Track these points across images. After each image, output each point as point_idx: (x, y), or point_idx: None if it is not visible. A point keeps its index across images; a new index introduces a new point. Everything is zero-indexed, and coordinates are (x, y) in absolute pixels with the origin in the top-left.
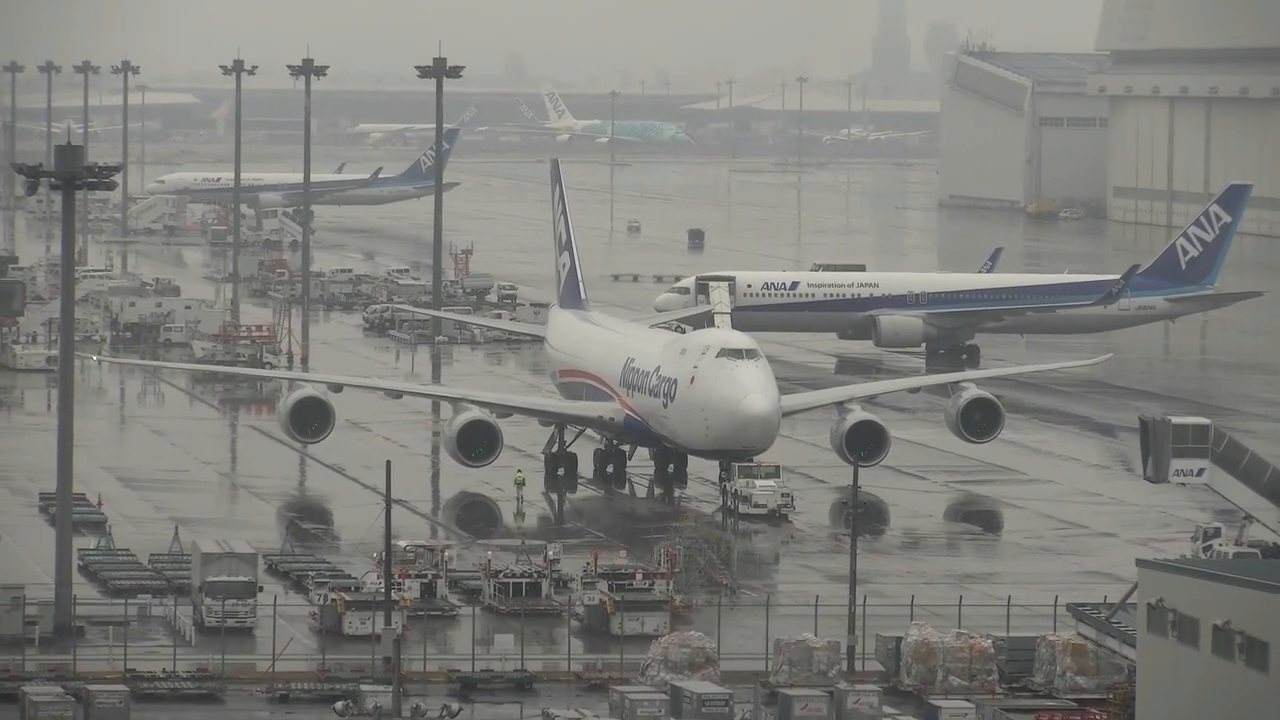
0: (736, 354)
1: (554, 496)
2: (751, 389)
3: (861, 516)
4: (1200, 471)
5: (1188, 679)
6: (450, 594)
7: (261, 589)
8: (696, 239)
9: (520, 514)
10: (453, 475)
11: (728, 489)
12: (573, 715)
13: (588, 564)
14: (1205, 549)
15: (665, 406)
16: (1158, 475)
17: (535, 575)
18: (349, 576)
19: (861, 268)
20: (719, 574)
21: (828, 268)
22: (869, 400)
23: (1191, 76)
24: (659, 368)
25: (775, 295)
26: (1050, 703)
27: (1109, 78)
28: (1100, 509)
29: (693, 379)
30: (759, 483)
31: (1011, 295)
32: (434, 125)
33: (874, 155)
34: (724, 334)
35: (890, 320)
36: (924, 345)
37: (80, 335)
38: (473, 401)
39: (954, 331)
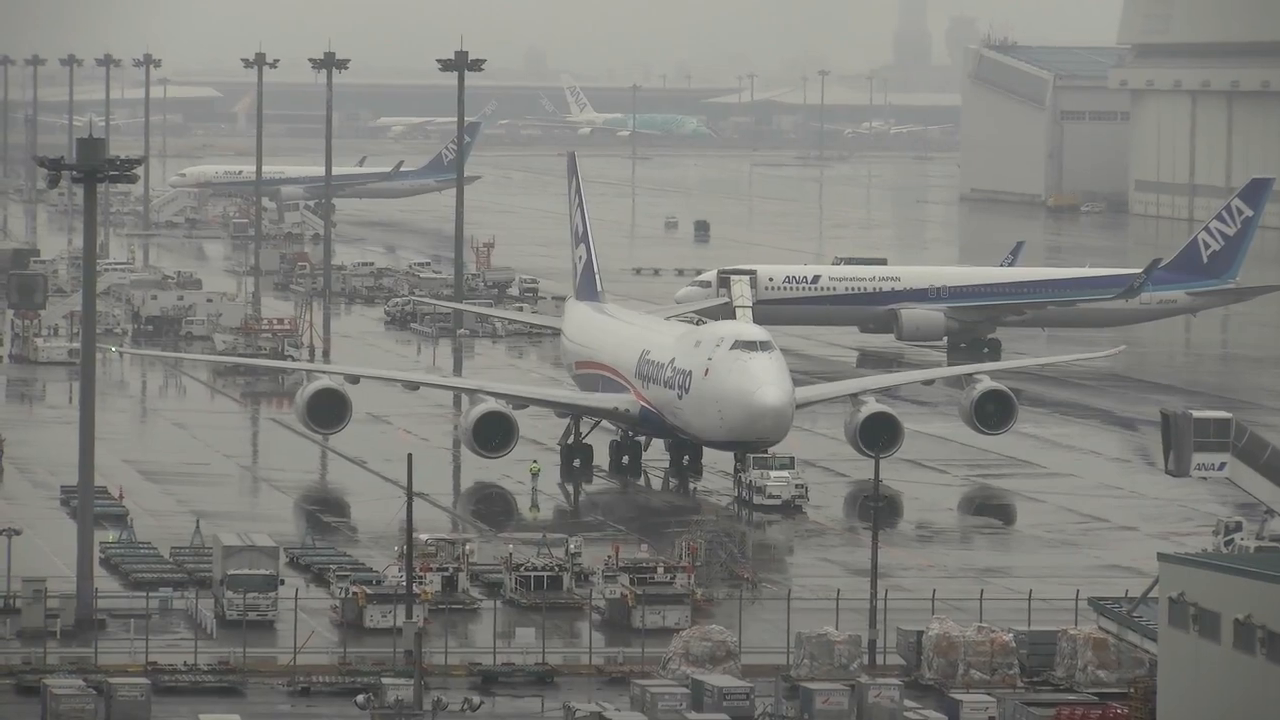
0: (750, 346)
1: (570, 488)
2: (765, 381)
3: (882, 510)
4: (1221, 465)
5: (1209, 673)
6: (471, 587)
7: (283, 582)
8: (702, 230)
9: (535, 505)
10: (472, 468)
11: (742, 480)
12: (594, 708)
13: (609, 558)
14: (1227, 543)
15: (680, 398)
16: (1179, 469)
17: (556, 569)
18: (370, 570)
19: (883, 261)
20: (740, 568)
21: (849, 261)
22: (883, 392)
23: (1213, 70)
24: (674, 359)
25: (796, 289)
26: (1071, 696)
27: (1130, 71)
28: (1121, 502)
29: (707, 371)
30: (773, 474)
31: (1033, 289)
32: (455, 119)
33: (895, 149)
34: (738, 326)
35: (911, 314)
36: (945, 339)
37: (102, 328)
38: (489, 393)
39: (975, 325)
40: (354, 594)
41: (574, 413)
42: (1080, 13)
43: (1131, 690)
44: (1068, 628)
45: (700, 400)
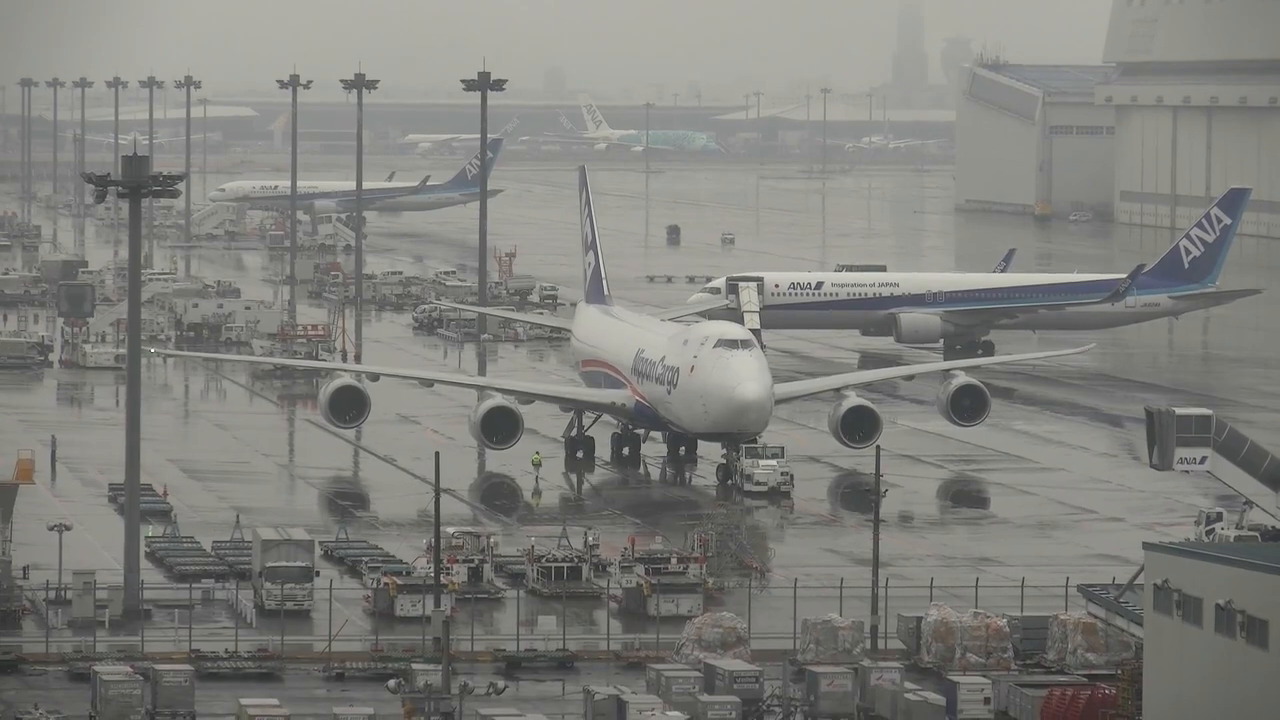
0: (732, 344)
1: (573, 478)
2: (745, 377)
3: (873, 501)
4: (1203, 459)
5: (1192, 655)
6: (496, 578)
7: (318, 574)
8: (674, 234)
9: (538, 492)
10: (495, 464)
11: (731, 468)
12: (612, 691)
13: (625, 549)
14: (1208, 533)
15: (669, 393)
16: (1163, 463)
17: (576, 560)
18: (400, 561)
19: (883, 268)
20: (749, 558)
21: (851, 268)
22: (864, 387)
23: (1193, 87)
24: (664, 357)
25: (801, 295)
26: (1062, 678)
27: (1115, 88)
28: (1109, 495)
29: (693, 368)
30: (762, 463)
31: (1024, 294)
32: (479, 136)
33: (894, 162)
34: (722, 326)
35: (910, 318)
36: (942, 341)
37: (146, 335)
38: (496, 389)
39: (970, 328)
40: (385, 584)
41: (576, 407)
42: (1068, 33)
43: (1119, 672)
44: (1058, 613)
45: (687, 395)
